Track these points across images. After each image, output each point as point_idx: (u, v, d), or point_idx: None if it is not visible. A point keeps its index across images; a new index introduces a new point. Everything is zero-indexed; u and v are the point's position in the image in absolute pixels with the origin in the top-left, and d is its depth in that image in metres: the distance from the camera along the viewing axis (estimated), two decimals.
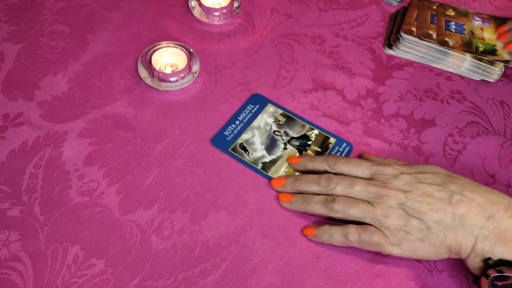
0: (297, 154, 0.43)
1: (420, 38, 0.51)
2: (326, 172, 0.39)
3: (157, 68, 0.47)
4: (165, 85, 0.46)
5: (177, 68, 0.48)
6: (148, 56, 0.47)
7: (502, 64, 0.51)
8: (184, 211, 0.39)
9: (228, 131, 0.44)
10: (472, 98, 0.51)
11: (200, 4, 0.53)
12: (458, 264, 0.38)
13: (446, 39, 0.52)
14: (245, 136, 0.44)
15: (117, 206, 0.39)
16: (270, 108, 0.46)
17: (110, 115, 0.45)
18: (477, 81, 0.52)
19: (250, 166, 0.42)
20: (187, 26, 0.54)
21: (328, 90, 0.49)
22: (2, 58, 0.48)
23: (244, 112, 0.46)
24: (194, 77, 0.48)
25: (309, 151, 0.44)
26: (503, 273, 0.31)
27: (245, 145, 0.43)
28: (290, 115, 0.46)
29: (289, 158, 0.42)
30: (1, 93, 0.45)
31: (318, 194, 0.38)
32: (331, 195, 0.37)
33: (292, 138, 0.44)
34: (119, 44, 0.51)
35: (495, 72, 0.51)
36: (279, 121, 0.45)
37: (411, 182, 0.36)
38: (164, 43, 0.49)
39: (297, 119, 0.46)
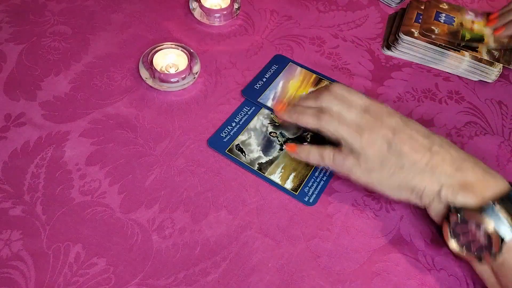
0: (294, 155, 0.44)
1: (422, 35, 0.52)
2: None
3: (158, 69, 0.48)
4: (166, 86, 0.47)
5: (178, 69, 0.48)
6: (149, 57, 0.48)
7: (501, 64, 0.51)
8: (185, 210, 0.39)
9: (225, 132, 0.44)
10: (470, 98, 0.51)
11: (201, 6, 0.54)
12: (456, 263, 0.38)
13: (432, 27, 0.53)
14: (241, 138, 0.44)
15: (118, 206, 0.39)
16: (266, 110, 0.47)
17: (111, 115, 0.45)
18: (475, 81, 0.53)
19: (247, 167, 0.42)
20: (188, 27, 0.54)
21: None
22: (4, 58, 0.48)
23: (240, 114, 0.46)
24: (194, 78, 0.48)
25: None
26: (463, 217, 0.33)
27: (241, 146, 0.44)
28: None
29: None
30: (3, 94, 0.45)
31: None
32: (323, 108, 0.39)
33: (288, 139, 0.45)
34: (121, 45, 0.51)
35: (493, 73, 0.52)
36: (275, 122, 0.46)
37: (401, 124, 0.37)
38: (165, 44, 0.49)
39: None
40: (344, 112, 0.38)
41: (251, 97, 0.47)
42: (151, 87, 0.47)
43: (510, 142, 0.47)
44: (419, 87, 0.51)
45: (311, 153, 0.39)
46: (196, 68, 0.48)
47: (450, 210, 0.34)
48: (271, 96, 0.48)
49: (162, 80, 0.46)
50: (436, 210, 0.36)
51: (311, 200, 0.41)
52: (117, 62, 0.50)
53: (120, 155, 0.42)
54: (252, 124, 0.45)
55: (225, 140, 0.44)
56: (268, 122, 0.46)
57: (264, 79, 0.49)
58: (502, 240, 0.32)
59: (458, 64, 0.52)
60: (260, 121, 0.46)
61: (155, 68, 0.47)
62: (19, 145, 0.42)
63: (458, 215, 0.33)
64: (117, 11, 0.55)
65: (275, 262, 0.37)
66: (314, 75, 0.50)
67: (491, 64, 0.51)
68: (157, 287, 0.35)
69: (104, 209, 0.39)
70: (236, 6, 0.55)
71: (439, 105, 0.50)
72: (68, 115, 0.45)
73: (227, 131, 0.44)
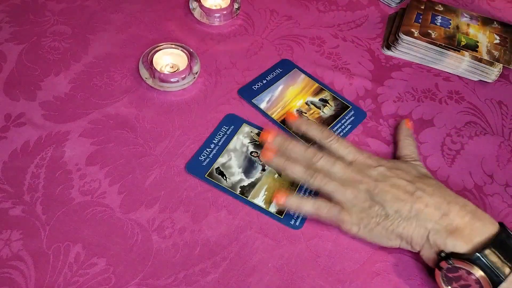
0: (276, 176, 0.42)
1: (422, 35, 0.52)
2: (314, 141, 0.42)
3: (158, 69, 0.48)
4: (166, 86, 0.47)
5: (178, 69, 0.48)
6: (149, 57, 0.48)
7: (501, 64, 0.51)
8: (185, 210, 0.39)
9: (203, 156, 0.42)
10: (470, 98, 0.51)
11: (201, 6, 0.54)
12: None
13: (429, 31, 0.53)
14: (221, 160, 0.42)
15: (118, 206, 0.39)
16: (246, 128, 0.45)
17: (111, 115, 0.45)
18: (475, 81, 0.53)
19: (228, 191, 0.40)
20: (187, 27, 0.54)
21: None
22: (4, 58, 0.48)
23: (219, 135, 0.44)
24: (194, 77, 0.48)
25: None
26: (453, 264, 0.34)
27: (221, 169, 0.41)
28: None
29: (288, 113, 0.44)
30: (3, 94, 0.45)
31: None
32: (312, 167, 0.39)
33: None
34: (121, 45, 0.51)
35: (493, 73, 0.52)
36: (256, 141, 0.44)
37: (384, 174, 0.38)
38: (165, 44, 0.49)
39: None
40: (328, 167, 0.39)
41: (246, 96, 0.47)
42: (151, 87, 0.47)
43: (510, 142, 0.47)
44: (419, 87, 0.51)
45: (304, 204, 0.38)
46: (196, 68, 0.48)
47: (440, 257, 0.35)
48: (267, 99, 0.47)
49: (162, 80, 0.46)
50: (427, 255, 0.36)
51: (297, 223, 0.39)
52: (117, 62, 0.50)
53: (120, 155, 0.42)
54: (231, 145, 0.43)
55: (204, 164, 0.42)
56: (249, 141, 0.44)
57: (265, 81, 0.49)
58: (493, 285, 0.32)
59: (458, 64, 0.52)
60: (240, 141, 0.44)
61: (155, 68, 0.47)
62: (19, 145, 0.42)
63: (448, 262, 0.34)
64: (117, 11, 0.55)
65: (275, 262, 0.37)
66: (316, 85, 0.49)
67: (491, 64, 0.51)
68: (157, 287, 0.35)
69: (104, 209, 0.39)
70: (236, 6, 0.55)
71: (439, 105, 0.50)
72: (68, 115, 0.45)
73: (206, 154, 0.42)
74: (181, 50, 0.49)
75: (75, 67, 0.49)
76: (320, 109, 0.47)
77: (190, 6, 0.55)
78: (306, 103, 0.48)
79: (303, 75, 0.50)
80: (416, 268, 0.38)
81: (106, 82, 0.48)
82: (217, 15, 0.54)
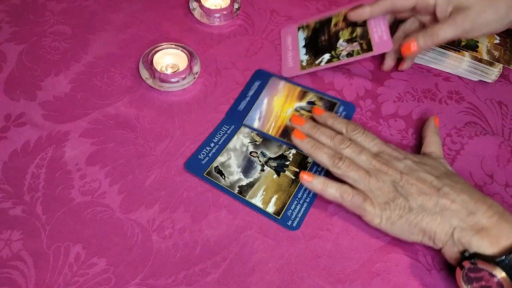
0: (275, 176, 0.42)
1: None
2: (341, 133, 0.42)
3: (158, 69, 0.48)
4: (166, 86, 0.47)
5: (178, 69, 0.48)
6: (149, 57, 0.48)
7: (501, 64, 0.51)
8: (185, 210, 0.39)
9: (203, 154, 0.42)
10: (470, 98, 0.51)
11: (201, 6, 0.54)
12: None
13: None
14: (220, 159, 0.42)
15: (118, 206, 0.39)
16: (246, 128, 0.45)
17: (111, 115, 0.45)
18: (475, 81, 0.53)
19: (226, 191, 0.40)
20: (188, 28, 0.54)
21: (327, 91, 0.50)
22: (4, 58, 0.48)
23: (219, 134, 0.44)
24: (194, 78, 0.48)
25: (287, 172, 0.42)
26: (477, 265, 0.33)
27: (220, 168, 0.41)
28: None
29: (314, 108, 0.45)
30: (4, 94, 0.45)
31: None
32: (338, 154, 0.39)
33: (270, 159, 0.43)
34: (121, 45, 0.51)
35: (493, 73, 0.52)
36: (256, 141, 0.44)
37: (411, 167, 0.38)
38: (165, 44, 0.49)
39: (273, 140, 0.44)
40: (355, 155, 0.39)
41: (236, 120, 0.45)
42: (151, 87, 0.47)
43: (510, 142, 0.47)
44: (419, 87, 0.51)
45: (329, 187, 0.38)
46: (196, 68, 0.48)
47: (464, 255, 0.34)
48: (257, 116, 0.46)
49: (162, 80, 0.46)
50: (449, 253, 0.36)
51: (294, 224, 0.39)
52: (117, 62, 0.50)
53: (120, 155, 0.42)
54: (231, 144, 0.43)
55: (203, 162, 0.42)
56: (249, 141, 0.43)
57: (248, 98, 0.47)
58: None
59: (458, 64, 0.52)
60: (240, 141, 0.43)
61: (155, 68, 0.47)
62: (19, 145, 0.42)
63: (472, 261, 0.33)
64: (117, 11, 0.55)
65: (275, 262, 0.37)
66: (299, 88, 0.48)
67: (491, 64, 0.51)
68: (157, 287, 0.35)
69: (104, 209, 0.39)
70: (236, 6, 0.55)
71: (439, 105, 0.50)
72: (68, 115, 0.45)
73: (205, 152, 0.42)
74: (181, 50, 0.49)
75: (75, 67, 0.49)
76: (310, 112, 0.47)
77: (190, 6, 0.55)
78: (296, 110, 0.47)
79: (282, 82, 0.49)
80: (416, 268, 0.38)
81: (106, 82, 0.48)
82: (217, 15, 0.54)
